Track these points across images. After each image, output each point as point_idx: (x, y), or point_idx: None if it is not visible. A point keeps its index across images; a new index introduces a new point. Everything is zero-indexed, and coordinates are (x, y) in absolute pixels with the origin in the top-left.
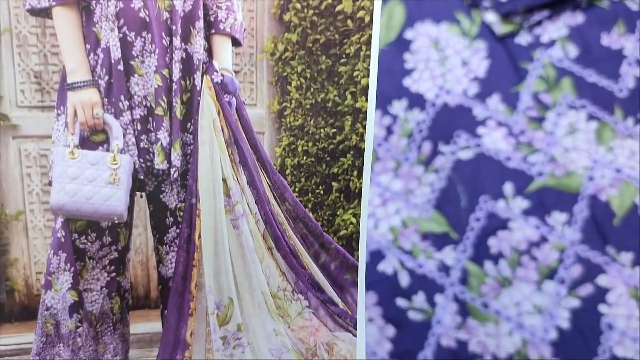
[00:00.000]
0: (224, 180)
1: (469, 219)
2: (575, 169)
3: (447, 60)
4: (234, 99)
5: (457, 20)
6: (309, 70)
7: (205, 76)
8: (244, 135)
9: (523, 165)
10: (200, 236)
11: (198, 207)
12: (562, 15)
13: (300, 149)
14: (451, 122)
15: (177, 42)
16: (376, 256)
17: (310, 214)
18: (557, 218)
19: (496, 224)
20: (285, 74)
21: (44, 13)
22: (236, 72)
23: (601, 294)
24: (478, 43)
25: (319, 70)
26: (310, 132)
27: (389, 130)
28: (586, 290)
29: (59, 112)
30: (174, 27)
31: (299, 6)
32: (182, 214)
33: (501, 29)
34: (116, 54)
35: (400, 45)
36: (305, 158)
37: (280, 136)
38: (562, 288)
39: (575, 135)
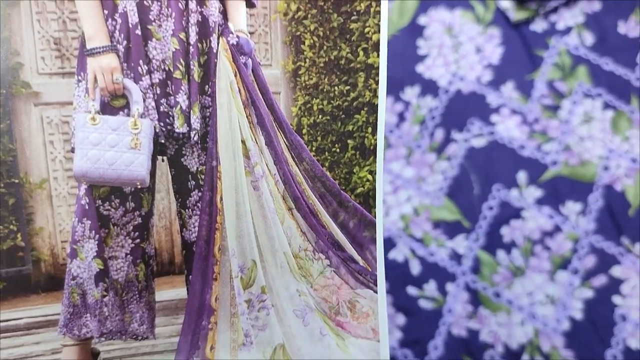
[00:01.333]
0: (243, 142)
1: (482, 207)
2: (590, 157)
3: (461, 47)
4: (250, 59)
5: (471, 6)
6: (321, 28)
7: (221, 38)
8: (261, 96)
9: (537, 153)
10: (221, 198)
11: (218, 169)
12: (579, 2)
13: (315, 108)
14: (464, 109)
15: (192, 5)
16: (387, 244)
17: (327, 173)
18: (571, 207)
19: (509, 213)
20: (299, 32)
21: None
22: (251, 33)
23: (615, 285)
24: (492, 29)
25: (330, 28)
26: (325, 90)
27: (401, 117)
28: (600, 280)
29: (79, 77)
30: None
31: None
32: (203, 176)
33: (516, 15)
34: (133, 18)
35: (413, 31)
36: (320, 116)
37: (295, 95)
38: (575, 278)
39: (591, 123)
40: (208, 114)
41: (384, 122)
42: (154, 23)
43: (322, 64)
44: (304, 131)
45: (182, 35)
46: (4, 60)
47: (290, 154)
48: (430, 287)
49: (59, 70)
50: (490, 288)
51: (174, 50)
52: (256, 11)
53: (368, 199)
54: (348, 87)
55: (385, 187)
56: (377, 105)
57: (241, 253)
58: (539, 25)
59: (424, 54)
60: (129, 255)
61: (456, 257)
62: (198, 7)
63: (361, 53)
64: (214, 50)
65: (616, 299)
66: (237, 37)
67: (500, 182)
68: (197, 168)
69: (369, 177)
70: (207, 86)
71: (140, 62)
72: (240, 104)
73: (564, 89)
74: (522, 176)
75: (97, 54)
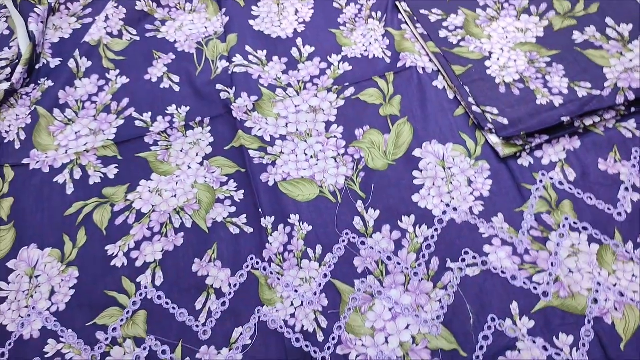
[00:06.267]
0: None
1: (478, 336)
2: (579, 290)
3: (454, 178)
4: None
5: (463, 140)
6: None
7: None
8: None
9: (528, 284)
10: None
11: None
12: (561, 140)
13: None
14: (458, 238)
15: None
16: None
17: None
18: (564, 340)
19: (504, 343)
20: None
21: None
22: None
23: None
24: (482, 162)
25: None
26: None
27: (399, 244)
28: None
29: None
30: None
31: None
32: None
33: (504, 150)
34: None
35: (409, 162)
36: None
37: None
38: None
39: (578, 256)
40: None
41: None
42: None
43: None
44: None
45: None
46: None
47: None
48: None
49: None
50: None
51: None
52: None
53: None
54: None
55: (384, 314)
56: None
57: None
58: (525, 160)
59: (419, 184)
60: None
61: None
62: None
63: None
64: None
65: None
66: None
67: (494, 311)
68: None
69: None
70: None
71: None
72: None
73: (551, 221)
74: (515, 306)
75: None
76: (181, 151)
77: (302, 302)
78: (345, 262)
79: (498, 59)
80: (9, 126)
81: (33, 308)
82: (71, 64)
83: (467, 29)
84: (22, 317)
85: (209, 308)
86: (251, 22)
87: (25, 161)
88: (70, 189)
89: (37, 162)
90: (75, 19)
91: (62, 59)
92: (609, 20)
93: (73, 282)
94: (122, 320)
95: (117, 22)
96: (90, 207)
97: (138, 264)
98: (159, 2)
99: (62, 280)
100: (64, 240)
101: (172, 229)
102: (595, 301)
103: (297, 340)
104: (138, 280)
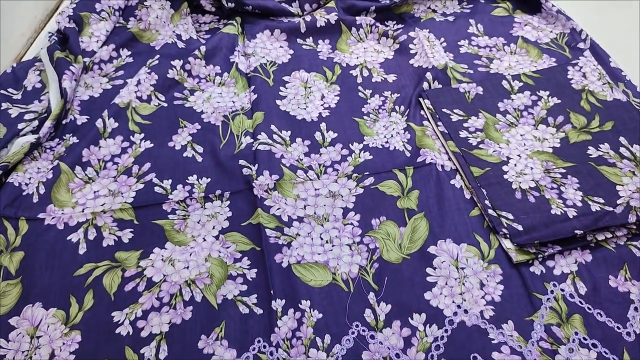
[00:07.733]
0: None
1: None
2: None
3: (466, 279)
4: None
5: (477, 241)
6: None
7: None
8: None
9: None
10: None
11: None
12: (573, 251)
13: None
14: (467, 341)
15: None
16: None
17: None
18: None
19: None
20: None
21: None
22: None
23: None
24: (494, 266)
25: None
26: None
27: (408, 342)
28: None
29: None
30: None
31: None
32: None
33: (517, 256)
34: None
35: (423, 259)
36: None
37: None
38: None
39: None
40: None
41: None
42: None
43: None
44: None
45: None
46: None
47: None
48: None
49: None
50: None
51: None
52: None
53: None
54: None
55: None
56: None
57: None
58: (537, 269)
59: (432, 281)
60: None
61: None
62: None
63: None
64: None
65: None
66: None
67: None
68: None
69: None
70: None
71: None
72: None
73: (561, 334)
74: None
75: None
76: (198, 222)
77: None
78: (354, 355)
79: (515, 165)
80: (30, 179)
81: None
82: (99, 123)
83: (486, 132)
84: None
85: None
86: (278, 101)
87: (40, 215)
88: (82, 249)
89: (53, 217)
90: (107, 79)
91: (89, 117)
92: (622, 140)
93: (74, 347)
94: None
95: (147, 87)
96: (101, 269)
97: (144, 334)
98: (190, 72)
99: (64, 343)
100: (70, 302)
101: (182, 301)
102: None
103: None
104: (142, 351)
